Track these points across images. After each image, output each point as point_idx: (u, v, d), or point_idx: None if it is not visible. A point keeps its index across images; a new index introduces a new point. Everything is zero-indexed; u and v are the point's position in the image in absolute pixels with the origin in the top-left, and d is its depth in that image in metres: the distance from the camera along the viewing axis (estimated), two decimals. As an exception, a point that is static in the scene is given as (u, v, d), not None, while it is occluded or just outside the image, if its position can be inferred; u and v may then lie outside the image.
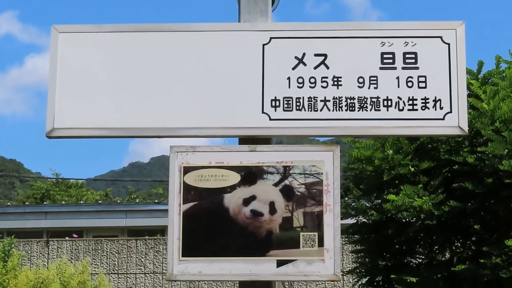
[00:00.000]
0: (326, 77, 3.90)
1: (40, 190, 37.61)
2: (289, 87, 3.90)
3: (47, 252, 15.52)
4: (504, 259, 5.82)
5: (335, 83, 3.89)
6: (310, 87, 3.89)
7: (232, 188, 3.82)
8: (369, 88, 3.88)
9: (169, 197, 3.86)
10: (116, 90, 3.95)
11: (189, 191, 3.84)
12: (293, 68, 3.92)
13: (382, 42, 3.94)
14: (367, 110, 3.86)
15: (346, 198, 7.27)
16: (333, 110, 3.87)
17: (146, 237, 15.87)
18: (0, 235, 13.85)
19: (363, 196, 6.94)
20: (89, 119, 3.93)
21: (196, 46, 3.97)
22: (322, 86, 3.89)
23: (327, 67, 3.91)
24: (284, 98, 3.89)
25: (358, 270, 7.21)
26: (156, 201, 25.29)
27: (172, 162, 3.87)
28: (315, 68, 3.92)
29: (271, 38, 3.96)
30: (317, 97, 3.88)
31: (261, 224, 3.77)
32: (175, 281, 3.81)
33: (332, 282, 14.20)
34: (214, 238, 3.78)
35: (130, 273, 15.11)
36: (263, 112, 3.88)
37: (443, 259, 6.74)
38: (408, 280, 6.14)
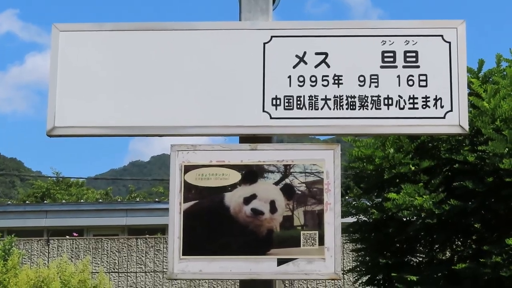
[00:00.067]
0: (327, 76, 3.90)
1: (41, 189, 37.60)
2: (290, 85, 3.90)
3: (47, 250, 15.53)
4: (505, 258, 5.82)
5: (336, 81, 3.89)
6: (311, 85, 3.89)
7: (232, 186, 3.82)
8: (370, 86, 3.88)
9: (170, 196, 3.86)
10: (116, 89, 3.95)
11: (189, 190, 3.84)
12: (294, 67, 3.92)
13: (383, 40, 3.94)
14: (367, 109, 3.86)
15: (347, 197, 7.27)
16: (333, 109, 3.87)
17: (147, 236, 15.87)
18: (1, 233, 13.86)
19: (364, 194, 6.94)
20: (89, 118, 3.93)
21: (197, 44, 3.97)
22: (323, 85, 3.89)
23: (328, 66, 3.91)
24: (285, 96, 3.89)
25: (358, 269, 7.20)
26: (156, 200, 25.28)
27: (173, 161, 3.87)
28: (316, 66, 3.92)
29: (272, 36, 3.96)
30: (317, 96, 3.88)
31: (262, 223, 3.77)
32: (175, 279, 3.81)
33: (333, 281, 14.21)
34: (215, 236, 3.78)
35: (131, 272, 15.12)
36: (264, 111, 3.88)
37: (443, 257, 6.74)
38: (409, 279, 6.14)
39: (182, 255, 3.78)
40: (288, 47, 3.95)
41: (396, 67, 3.90)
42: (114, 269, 15.20)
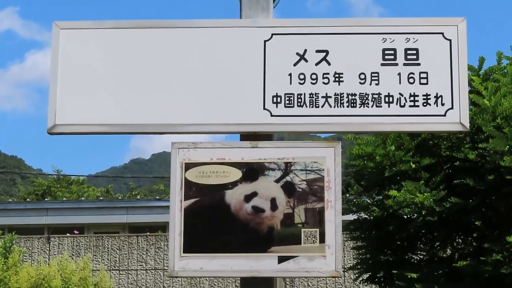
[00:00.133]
0: (328, 73, 3.90)
1: (41, 186, 37.64)
2: (291, 83, 3.89)
3: (48, 248, 15.53)
4: (505, 255, 5.83)
5: (337, 79, 3.89)
6: (312, 83, 3.89)
7: (233, 184, 3.82)
8: (370, 84, 3.88)
9: (171, 194, 3.86)
10: (117, 86, 3.95)
11: (190, 188, 3.84)
12: (295, 64, 3.92)
13: (383, 38, 3.93)
14: (368, 106, 3.86)
15: (348, 195, 7.28)
16: (334, 107, 3.87)
17: (147, 233, 15.87)
18: (1, 231, 13.87)
19: (364, 192, 6.95)
20: (90, 115, 3.93)
21: (197, 42, 3.97)
22: (324, 82, 3.89)
23: (329, 63, 3.91)
24: (285, 94, 3.88)
25: (359, 266, 7.21)
26: (157, 197, 25.31)
27: (174, 159, 3.87)
28: (317, 64, 3.91)
29: (272, 34, 3.96)
30: (318, 93, 3.88)
31: (263, 221, 3.77)
32: (176, 277, 3.80)
33: (333, 279, 14.21)
34: (216, 234, 3.79)
35: (131, 269, 15.13)
36: (264, 108, 3.87)
37: (444, 255, 6.75)
38: (409, 276, 6.14)
39: (183, 252, 3.78)
40: (289, 44, 3.94)
41: (396, 64, 3.90)
42: (114, 267, 15.20)
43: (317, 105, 3.87)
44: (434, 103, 3.85)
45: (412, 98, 3.86)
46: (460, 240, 6.73)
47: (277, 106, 3.88)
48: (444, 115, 3.85)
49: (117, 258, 15.26)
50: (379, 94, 3.87)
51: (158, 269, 15.03)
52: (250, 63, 3.93)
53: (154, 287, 14.98)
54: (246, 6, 4.13)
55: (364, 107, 3.86)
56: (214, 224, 3.79)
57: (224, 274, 3.83)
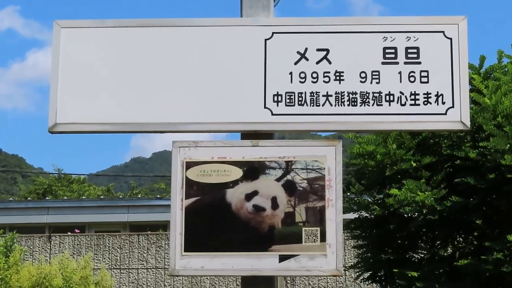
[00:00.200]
0: (328, 72, 3.90)
1: (42, 185, 37.64)
2: (291, 82, 3.90)
3: (49, 247, 15.54)
4: (506, 254, 5.83)
5: (337, 78, 3.89)
6: (312, 82, 3.89)
7: (234, 183, 3.83)
8: (371, 83, 3.88)
9: (171, 192, 3.87)
10: (118, 85, 3.95)
11: (191, 186, 3.84)
12: (295, 63, 3.92)
13: (384, 37, 3.93)
14: (369, 105, 3.86)
15: (348, 193, 7.27)
16: (335, 105, 3.87)
17: (148, 232, 15.86)
18: (2, 230, 13.86)
19: (365, 191, 6.95)
20: (91, 114, 3.93)
21: (198, 41, 3.97)
22: (324, 81, 3.89)
23: (329, 62, 3.91)
24: (286, 93, 3.89)
25: (360, 265, 7.21)
26: (158, 196, 25.27)
27: (175, 157, 3.87)
28: (317, 63, 3.92)
29: (273, 33, 3.96)
30: (319, 92, 3.88)
31: (263, 219, 3.78)
32: (177, 276, 3.81)
33: (334, 277, 14.21)
34: (216, 233, 3.79)
35: (132, 268, 15.13)
36: (265, 107, 3.88)
37: (445, 254, 6.75)
38: (410, 275, 6.14)
39: (184, 251, 3.79)
40: (290, 43, 3.95)
41: (397, 63, 3.90)
42: (116, 266, 15.21)
43: (317, 104, 3.87)
44: (435, 102, 3.86)
45: (413, 97, 3.86)
46: (461, 239, 6.73)
47: (278, 105, 3.88)
48: (445, 114, 3.85)
49: (118, 257, 15.26)
50: (379, 92, 3.87)
51: (159, 268, 15.03)
52: (251, 61, 3.93)
53: (155, 286, 14.98)
54: (247, 4, 4.13)
55: (364, 105, 3.86)
56: (215, 223, 3.80)
57: (225, 273, 3.83)
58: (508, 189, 5.97)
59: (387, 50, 3.92)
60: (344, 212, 3.91)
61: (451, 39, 3.92)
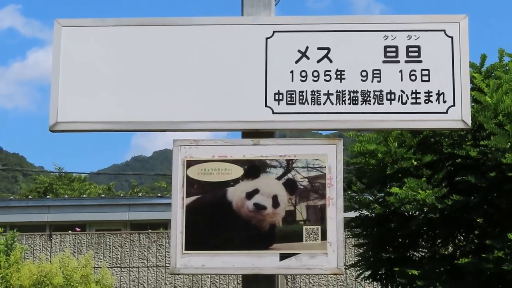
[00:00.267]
0: (329, 71, 3.90)
1: (43, 184, 37.62)
2: (292, 80, 3.90)
3: (50, 245, 15.54)
4: (507, 252, 5.82)
5: (338, 76, 3.89)
6: (313, 80, 3.89)
7: (235, 181, 3.83)
8: (372, 81, 3.88)
9: (172, 191, 3.87)
10: (119, 84, 3.95)
11: (192, 185, 3.84)
12: (296, 62, 3.92)
13: (385, 35, 3.94)
14: (370, 104, 3.87)
15: (349, 192, 7.27)
16: (336, 104, 3.87)
17: (149, 230, 15.87)
18: (3, 228, 13.86)
19: (366, 189, 6.94)
20: (92, 113, 3.93)
21: (199, 40, 3.97)
22: (325, 80, 3.89)
23: (330, 61, 3.92)
24: (287, 91, 3.89)
25: (360, 264, 7.20)
26: (159, 194, 25.25)
27: (175, 156, 3.87)
28: (318, 61, 3.92)
29: (274, 31, 3.96)
30: (320, 91, 3.88)
31: (264, 218, 3.78)
32: (178, 274, 3.81)
33: (335, 276, 14.21)
34: (217, 231, 3.79)
35: (133, 266, 15.13)
36: (266, 106, 3.88)
37: (446, 252, 6.74)
38: (411, 274, 6.14)
39: (185, 250, 3.79)
40: (291, 42, 3.95)
41: (398, 62, 3.90)
42: (116, 264, 15.21)
43: (318, 103, 3.87)
44: (436, 101, 3.86)
45: (414, 96, 3.86)
46: (461, 237, 6.73)
47: (278, 104, 3.88)
48: (446, 113, 3.85)
49: (119, 256, 15.27)
50: (380, 91, 3.87)
51: (159, 266, 15.03)
52: (252, 60, 3.93)
53: (155, 284, 14.99)
54: (248, 3, 4.13)
55: (365, 104, 3.87)
56: (216, 221, 3.80)
57: (225, 271, 3.84)
58: (508, 187, 5.97)
59: (388, 49, 3.92)
60: (344, 211, 3.91)
61: (452, 37, 3.92)
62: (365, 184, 6.97)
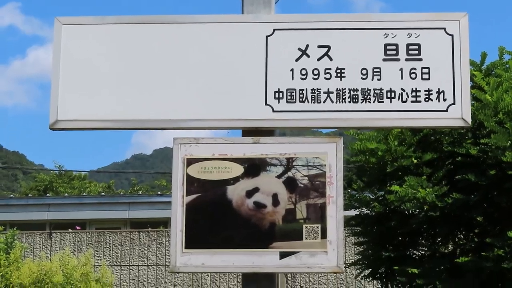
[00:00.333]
0: (330, 69, 3.90)
1: (43, 182, 37.63)
2: (293, 78, 3.89)
3: (50, 244, 15.55)
4: (507, 251, 5.82)
5: (339, 74, 3.89)
6: (313, 78, 3.89)
7: (235, 180, 3.83)
8: (372, 79, 3.88)
9: (172, 189, 3.87)
10: (119, 82, 3.95)
11: (192, 183, 3.84)
12: (297, 60, 3.92)
13: (385, 33, 3.93)
14: (370, 102, 3.86)
15: (349, 190, 7.27)
16: (336, 102, 3.87)
17: (149, 229, 15.87)
18: (3, 227, 13.86)
19: (366, 188, 6.94)
20: (92, 111, 3.93)
21: (199, 37, 3.97)
22: (326, 78, 3.89)
23: (331, 59, 3.91)
24: (287, 90, 3.88)
25: (360, 262, 7.20)
26: (159, 193, 25.27)
27: (175, 154, 3.87)
28: (319, 59, 3.91)
29: (274, 29, 3.96)
30: (320, 89, 3.88)
31: (264, 216, 3.78)
32: (178, 273, 3.81)
33: (335, 274, 14.21)
34: (217, 230, 3.79)
35: (133, 265, 15.13)
36: (266, 104, 3.87)
37: (446, 251, 6.74)
38: (411, 272, 6.14)
39: (185, 248, 3.79)
40: (291, 40, 3.94)
41: (398, 60, 3.90)
42: (116, 262, 15.21)
43: (319, 101, 3.87)
44: (436, 99, 3.85)
45: (414, 94, 3.86)
46: (461, 236, 6.73)
47: (279, 102, 3.88)
48: (446, 111, 3.85)
49: (119, 254, 15.27)
50: (381, 89, 3.87)
51: (159, 265, 15.03)
52: (252, 58, 3.93)
53: (155, 282, 14.99)
54: (248, 1, 4.13)
55: (366, 102, 3.86)
56: (216, 219, 3.80)
57: (225, 270, 3.83)
58: (509, 185, 5.96)
59: (388, 47, 3.92)
60: (344, 209, 3.91)
61: (452, 35, 3.91)
62: (365, 182, 6.97)
